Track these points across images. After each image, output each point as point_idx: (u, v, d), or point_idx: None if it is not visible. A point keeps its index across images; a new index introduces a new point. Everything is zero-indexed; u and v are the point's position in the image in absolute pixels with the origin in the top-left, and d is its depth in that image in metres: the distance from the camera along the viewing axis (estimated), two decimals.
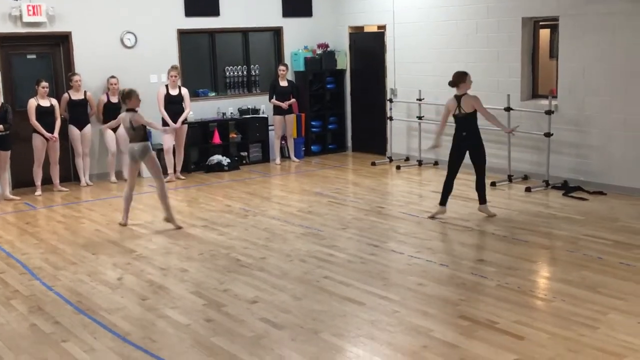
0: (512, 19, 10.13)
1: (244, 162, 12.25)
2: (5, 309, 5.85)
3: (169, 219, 8.26)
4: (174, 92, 11.05)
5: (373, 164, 11.89)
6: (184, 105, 11.13)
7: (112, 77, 10.95)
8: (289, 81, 12.27)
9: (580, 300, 5.54)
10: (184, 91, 11.19)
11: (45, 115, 10.22)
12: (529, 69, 10.21)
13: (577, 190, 9.29)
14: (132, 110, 8.14)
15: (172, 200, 9.43)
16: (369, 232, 7.79)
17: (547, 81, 10.29)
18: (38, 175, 10.35)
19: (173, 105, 11.02)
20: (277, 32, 12.83)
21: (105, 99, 10.94)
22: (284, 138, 12.45)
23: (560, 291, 5.79)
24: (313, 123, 13.00)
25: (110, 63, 11.07)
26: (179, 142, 11.19)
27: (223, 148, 12.10)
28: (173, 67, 11.08)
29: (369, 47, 12.67)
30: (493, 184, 9.64)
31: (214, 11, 11.99)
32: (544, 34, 10.67)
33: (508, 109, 9.90)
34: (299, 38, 12.86)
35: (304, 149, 12.84)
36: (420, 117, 11.49)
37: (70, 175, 11.09)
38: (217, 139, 11.96)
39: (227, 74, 12.47)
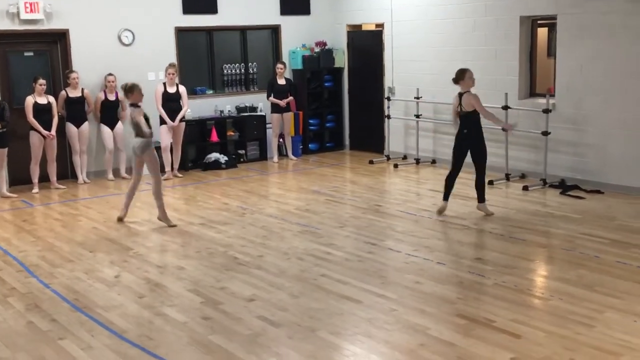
0: (510, 17, 10.13)
1: (242, 160, 12.25)
2: (2, 306, 5.84)
3: (161, 217, 8.25)
4: (171, 89, 11.04)
5: (371, 162, 11.89)
6: (181, 103, 11.12)
7: (110, 74, 10.93)
8: (286, 79, 12.27)
9: (577, 299, 5.55)
10: (182, 89, 11.18)
11: (42, 112, 10.21)
12: (526, 68, 10.21)
13: (575, 189, 9.30)
14: (134, 105, 8.12)
15: (169, 197, 9.45)
16: (367, 231, 7.79)
17: (544, 80, 10.30)
18: (35, 173, 10.34)
19: (171, 103, 11.01)
20: (275, 30, 12.82)
21: (102, 96, 10.93)
22: (281, 136, 12.45)
23: (557, 290, 5.79)
24: (311, 121, 12.99)
25: (108, 61, 11.06)
26: (176, 140, 11.18)
27: (221, 146, 12.09)
28: (171, 65, 11.08)
29: (367, 45, 12.66)
30: (490, 182, 9.63)
31: (211, 9, 11.98)
32: (542, 32, 10.68)
33: (506, 108, 9.90)
34: (297, 36, 12.85)
35: (301, 147, 12.84)
36: (417, 116, 11.49)
37: (67, 173, 11.08)
38: (214, 137, 11.95)
39: (225, 71, 12.46)
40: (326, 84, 13.10)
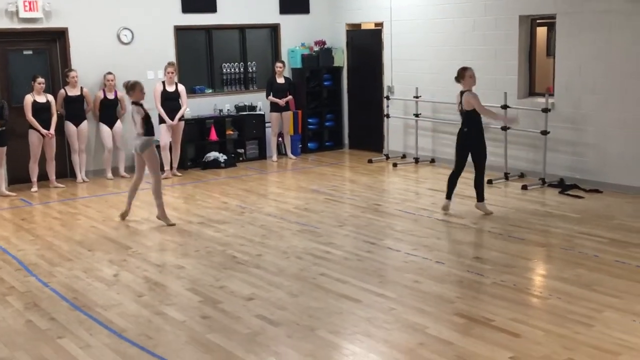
0: (510, 16, 10.13)
1: (241, 159, 12.24)
2: (1, 305, 5.84)
3: (160, 216, 8.25)
4: (170, 88, 11.04)
5: (370, 161, 11.89)
6: (180, 102, 11.12)
7: (109, 73, 10.93)
8: (286, 78, 12.26)
9: (576, 298, 5.55)
10: (181, 88, 11.18)
11: (41, 111, 10.20)
12: (526, 67, 10.22)
13: (573, 188, 9.30)
14: (136, 103, 8.12)
15: (168, 196, 9.44)
16: (366, 230, 7.79)
17: (544, 79, 10.31)
18: (34, 172, 10.33)
19: (170, 102, 11.01)
20: (274, 29, 12.82)
21: (101, 95, 10.92)
22: (280, 135, 12.45)
23: (556, 289, 5.80)
24: (310, 120, 12.99)
25: (107, 59, 11.05)
26: (175, 139, 11.18)
27: (220, 145, 12.08)
28: (170, 64, 11.08)
29: (366, 44, 12.66)
30: (489, 181, 9.64)
31: (211, 8, 11.97)
32: (541, 32, 10.68)
33: (505, 107, 9.90)
34: (296, 35, 12.85)
35: (300, 146, 12.83)
36: (417, 115, 11.49)
37: (66, 172, 11.07)
38: (213, 136, 11.95)
39: (224, 70, 12.46)
40: (325, 83, 13.10)
